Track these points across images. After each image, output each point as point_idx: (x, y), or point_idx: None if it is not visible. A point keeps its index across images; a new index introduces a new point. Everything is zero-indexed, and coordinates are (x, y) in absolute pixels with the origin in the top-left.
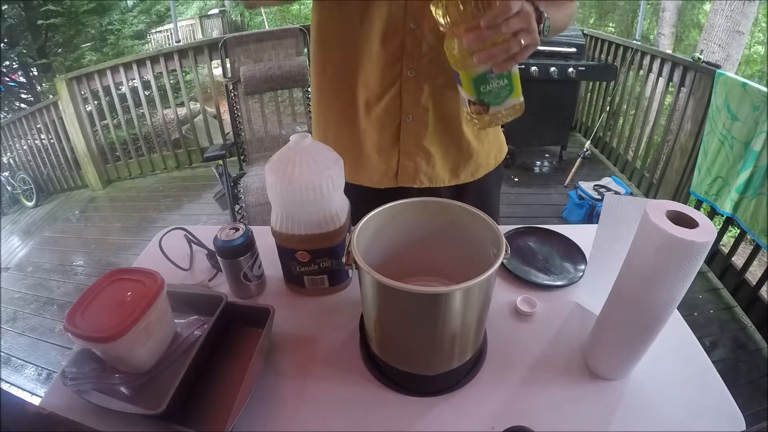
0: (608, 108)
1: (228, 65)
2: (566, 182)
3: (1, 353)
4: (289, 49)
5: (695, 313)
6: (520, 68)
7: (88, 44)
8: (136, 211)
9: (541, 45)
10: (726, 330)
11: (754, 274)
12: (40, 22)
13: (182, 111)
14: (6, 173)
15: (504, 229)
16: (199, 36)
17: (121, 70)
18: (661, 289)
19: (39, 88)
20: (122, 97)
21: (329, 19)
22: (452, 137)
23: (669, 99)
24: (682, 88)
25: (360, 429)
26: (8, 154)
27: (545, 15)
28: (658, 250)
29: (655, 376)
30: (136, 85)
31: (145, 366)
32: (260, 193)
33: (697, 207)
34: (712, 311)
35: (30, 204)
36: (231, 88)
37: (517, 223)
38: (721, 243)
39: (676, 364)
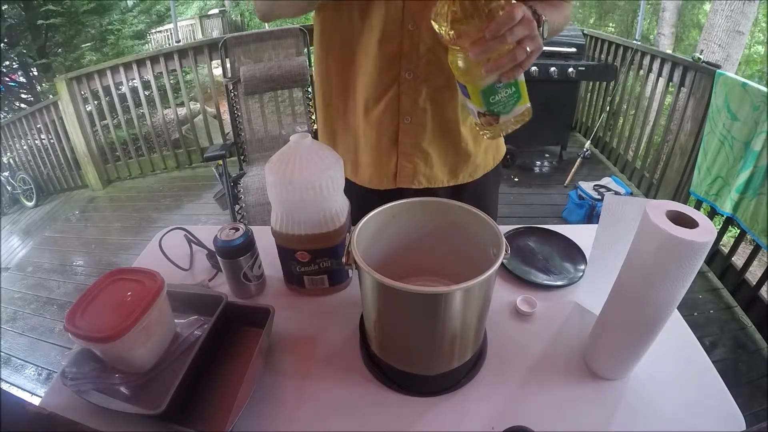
0: (608, 108)
1: (228, 65)
2: (566, 182)
3: (1, 353)
4: (289, 49)
5: (695, 313)
6: None
7: (88, 44)
8: (136, 211)
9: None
10: (726, 330)
11: (754, 274)
12: (40, 22)
13: (182, 111)
14: (6, 173)
15: (504, 229)
16: (199, 36)
17: (121, 70)
18: (661, 289)
19: (39, 88)
20: (122, 97)
21: (330, 20)
22: (450, 138)
23: (669, 99)
24: (682, 88)
25: (360, 429)
26: (8, 154)
27: (543, 18)
28: (658, 250)
29: (655, 376)
30: (136, 85)
31: (145, 366)
32: (260, 193)
33: (697, 207)
34: (712, 311)
35: (30, 204)
36: (231, 88)
37: (517, 223)
38: (721, 243)
39: (676, 364)
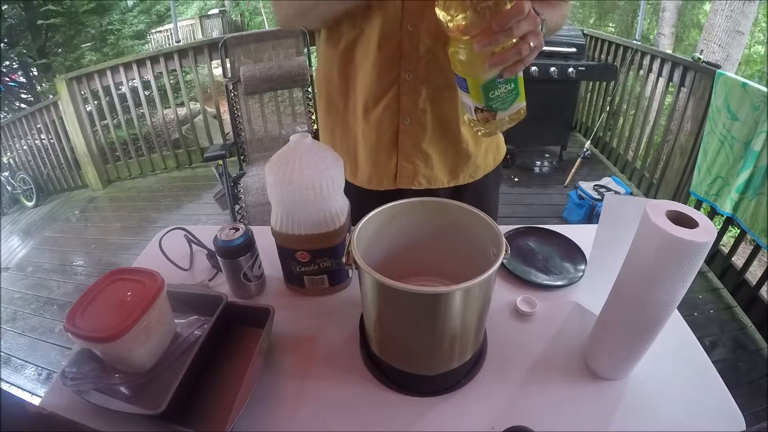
0: (608, 108)
1: (228, 65)
2: (566, 182)
3: (1, 353)
4: (289, 49)
5: (695, 313)
6: None
7: (88, 44)
8: (136, 211)
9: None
10: (726, 330)
11: (754, 274)
12: (40, 22)
13: (182, 111)
14: (6, 173)
15: (504, 229)
16: (199, 36)
17: (121, 70)
18: (661, 289)
19: (39, 88)
20: (122, 97)
21: (331, 21)
22: (450, 139)
23: (669, 99)
24: (682, 88)
25: (360, 429)
26: (8, 154)
27: (543, 17)
28: (658, 250)
29: (655, 376)
30: (136, 85)
31: (145, 366)
32: (260, 193)
33: (697, 207)
34: (712, 311)
35: (30, 204)
36: (231, 88)
37: (517, 223)
38: (721, 243)
39: (676, 364)
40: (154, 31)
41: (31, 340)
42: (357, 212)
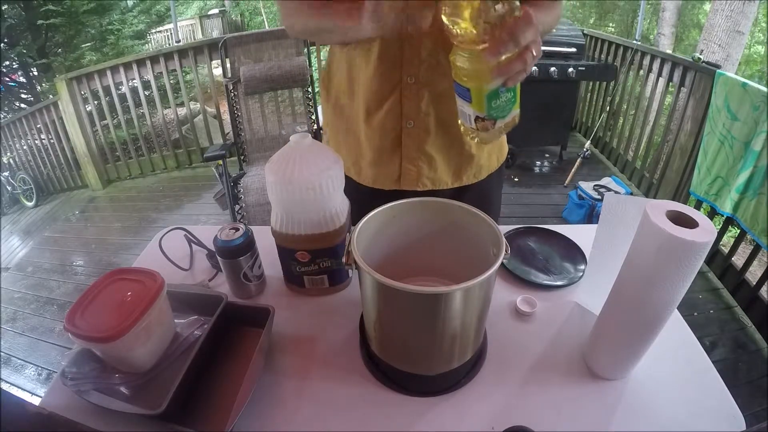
0: (608, 108)
1: (228, 65)
2: (566, 182)
3: (1, 353)
4: (289, 49)
5: (695, 313)
6: None
7: (88, 44)
8: (136, 211)
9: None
10: (726, 330)
11: (754, 274)
12: (40, 22)
13: (182, 111)
14: (6, 173)
15: (504, 229)
16: (199, 36)
17: (121, 70)
18: (661, 289)
19: (39, 88)
20: (122, 97)
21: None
22: (454, 141)
23: (669, 99)
24: (682, 88)
25: (360, 429)
26: (8, 154)
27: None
28: (658, 250)
29: (655, 376)
30: (136, 85)
31: (145, 366)
32: (260, 193)
33: (697, 207)
34: (712, 311)
35: (30, 204)
36: (231, 88)
37: (517, 223)
38: (721, 243)
39: (676, 364)
40: (154, 31)
41: (31, 340)
42: (360, 211)
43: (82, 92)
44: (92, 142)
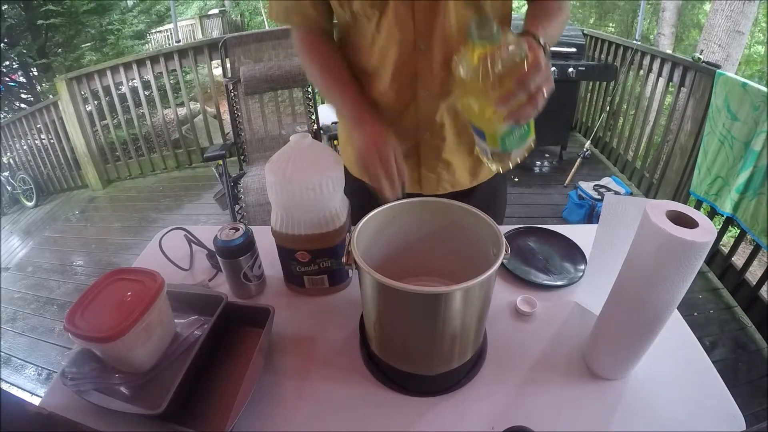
0: (608, 108)
1: (228, 65)
2: (566, 182)
3: (1, 353)
4: (289, 49)
5: (695, 313)
6: None
7: (88, 44)
8: (136, 211)
9: None
10: (726, 330)
11: (754, 274)
12: (40, 22)
13: (182, 111)
14: (6, 173)
15: (504, 229)
16: (199, 36)
17: (121, 70)
18: (661, 289)
19: (39, 88)
20: (122, 97)
21: (347, 44)
22: (469, 145)
23: (669, 99)
24: (682, 88)
25: (360, 429)
26: (8, 154)
27: (547, 47)
28: (658, 250)
29: (655, 376)
30: (136, 85)
31: (145, 366)
32: (260, 193)
33: (697, 207)
34: (712, 311)
35: (30, 204)
36: (231, 88)
37: (517, 223)
38: (721, 243)
39: (676, 364)
40: (154, 31)
41: (31, 340)
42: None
43: (82, 92)
44: (92, 142)
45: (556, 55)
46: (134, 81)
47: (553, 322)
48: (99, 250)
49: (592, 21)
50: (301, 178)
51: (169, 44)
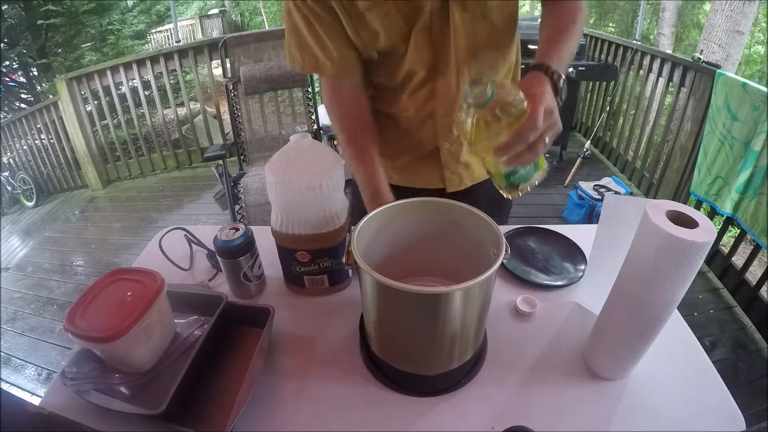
0: (608, 108)
1: (228, 65)
2: (566, 182)
3: (1, 353)
4: None
5: (695, 313)
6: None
7: (88, 44)
8: (136, 211)
9: None
10: (726, 330)
11: (754, 274)
12: (40, 22)
13: (182, 111)
14: (6, 173)
15: (504, 229)
16: (199, 36)
17: (121, 70)
18: (661, 289)
19: (39, 88)
20: (122, 97)
21: (371, 65)
22: None
23: (669, 99)
24: (682, 88)
25: (360, 429)
26: (8, 154)
27: (562, 80)
28: (658, 250)
29: (655, 376)
30: (136, 85)
31: (145, 366)
32: (260, 193)
33: (697, 207)
34: (712, 311)
35: (30, 204)
36: (231, 88)
37: (517, 223)
38: (721, 243)
39: (676, 364)
40: (154, 31)
41: (31, 340)
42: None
43: (82, 92)
44: (92, 142)
45: None
46: (134, 81)
47: (553, 322)
48: (99, 250)
49: (592, 21)
50: (301, 178)
51: (169, 44)
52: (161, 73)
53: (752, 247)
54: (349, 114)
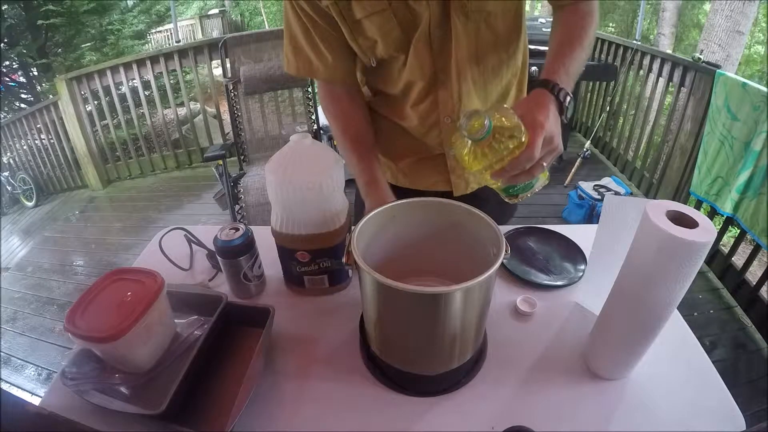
0: (608, 108)
1: (228, 65)
2: (566, 182)
3: (1, 353)
4: None
5: (695, 313)
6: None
7: (88, 44)
8: (136, 211)
9: (541, 45)
10: (726, 330)
11: (754, 274)
12: (40, 22)
13: (182, 111)
14: (6, 173)
15: (504, 229)
16: (199, 36)
17: (121, 70)
18: (661, 289)
19: (39, 88)
20: (122, 97)
21: (371, 74)
22: None
23: (669, 99)
24: (682, 88)
25: (360, 429)
26: (8, 154)
27: (568, 99)
28: (658, 250)
29: (655, 376)
30: (136, 85)
31: (145, 366)
32: (260, 193)
33: (697, 207)
34: (712, 311)
35: (30, 204)
36: (231, 88)
37: (517, 223)
38: (721, 243)
39: (676, 364)
40: (154, 31)
41: (31, 340)
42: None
43: (82, 92)
44: (92, 142)
45: None
46: (134, 81)
47: (553, 322)
48: (99, 250)
49: None
50: (301, 178)
51: (169, 44)
52: (161, 73)
53: (752, 247)
54: (343, 111)
